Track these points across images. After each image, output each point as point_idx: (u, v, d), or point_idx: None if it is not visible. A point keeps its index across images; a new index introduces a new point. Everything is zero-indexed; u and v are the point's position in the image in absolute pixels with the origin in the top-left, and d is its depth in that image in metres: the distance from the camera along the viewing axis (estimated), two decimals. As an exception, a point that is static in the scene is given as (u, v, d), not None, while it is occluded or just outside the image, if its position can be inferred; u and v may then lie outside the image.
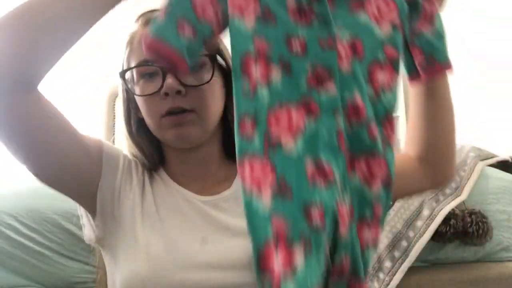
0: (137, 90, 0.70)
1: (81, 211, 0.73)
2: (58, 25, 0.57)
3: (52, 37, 0.57)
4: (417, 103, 0.73)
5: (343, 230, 0.49)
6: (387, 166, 0.54)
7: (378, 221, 0.53)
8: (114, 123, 2.32)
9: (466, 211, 1.26)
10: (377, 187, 0.53)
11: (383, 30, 0.55)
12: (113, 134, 1.79)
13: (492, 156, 1.46)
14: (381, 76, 0.54)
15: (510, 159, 1.50)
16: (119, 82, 0.76)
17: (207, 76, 0.69)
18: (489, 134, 2.11)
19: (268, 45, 0.51)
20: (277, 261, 0.46)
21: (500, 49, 2.05)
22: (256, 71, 0.50)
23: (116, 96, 2.40)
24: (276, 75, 0.51)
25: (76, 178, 0.67)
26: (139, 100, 0.71)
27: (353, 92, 0.52)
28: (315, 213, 0.47)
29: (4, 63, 0.54)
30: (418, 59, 0.61)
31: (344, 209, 0.50)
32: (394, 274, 1.17)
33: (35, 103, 0.60)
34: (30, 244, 1.15)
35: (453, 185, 1.31)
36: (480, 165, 1.38)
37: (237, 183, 0.74)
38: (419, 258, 1.21)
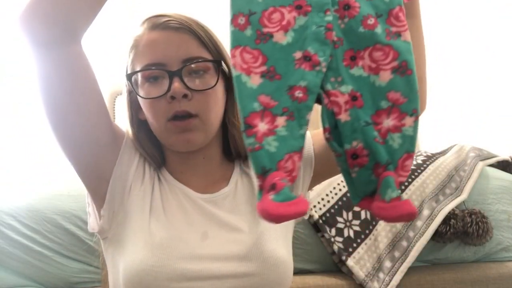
0: (141, 93, 0.72)
1: (88, 199, 0.75)
2: None
3: None
4: None
5: (340, 111, 0.54)
6: (397, 53, 0.55)
7: (399, 107, 0.55)
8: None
9: (466, 211, 1.26)
10: (386, 75, 0.55)
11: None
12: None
13: (492, 156, 1.46)
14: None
15: (510, 159, 1.50)
16: (122, 83, 0.78)
17: (211, 81, 0.71)
18: (489, 134, 2.11)
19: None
20: (261, 123, 0.52)
21: (500, 48, 2.05)
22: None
23: (116, 96, 2.40)
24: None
25: (96, 153, 0.70)
26: (144, 103, 0.73)
27: None
28: (299, 90, 0.53)
29: (55, 15, 0.60)
30: None
31: (339, 93, 0.54)
32: (394, 274, 1.17)
33: (78, 55, 0.65)
34: (30, 244, 1.15)
35: (453, 185, 1.31)
36: (480, 165, 1.38)
37: (234, 181, 0.78)
38: (419, 258, 1.22)
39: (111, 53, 2.96)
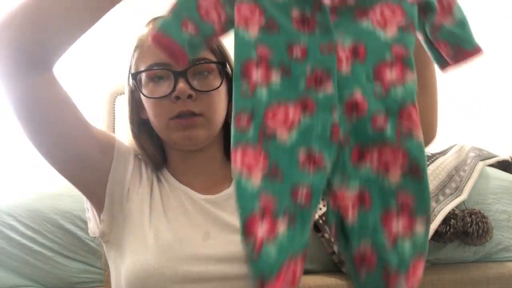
0: (145, 92, 0.72)
1: (87, 204, 0.75)
2: (70, 7, 0.59)
3: (64, 19, 0.59)
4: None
5: (347, 214, 0.52)
6: (407, 155, 0.53)
7: (410, 210, 0.53)
8: (114, 122, 2.33)
9: (466, 211, 1.26)
10: (396, 176, 0.54)
11: (388, 34, 0.56)
12: (113, 133, 1.79)
13: (492, 156, 1.46)
14: (390, 74, 0.55)
15: (510, 159, 1.50)
16: (123, 84, 0.78)
17: (216, 82, 0.72)
18: (489, 134, 2.11)
19: (270, 52, 0.54)
20: (261, 229, 0.49)
21: (500, 48, 2.05)
22: (257, 74, 0.53)
23: (116, 96, 2.40)
24: (276, 77, 0.53)
25: (86, 166, 0.70)
26: (148, 102, 0.73)
27: (353, 90, 0.54)
28: (302, 192, 0.51)
29: (19, 45, 0.57)
30: (445, 52, 0.62)
31: (345, 194, 0.53)
32: (394, 274, 1.17)
33: (50, 85, 0.63)
34: (30, 244, 1.15)
35: (453, 185, 1.31)
36: (480, 165, 1.38)
37: None
38: (419, 258, 1.21)
39: (111, 53, 2.97)
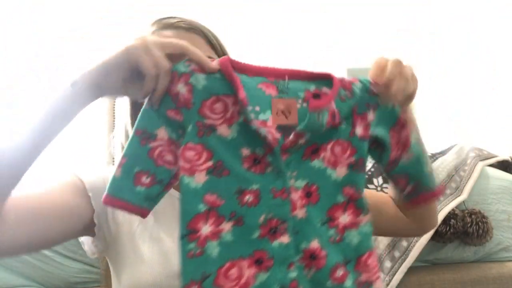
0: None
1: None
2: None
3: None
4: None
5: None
6: None
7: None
8: (113, 122, 2.33)
9: (466, 211, 1.26)
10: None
11: (339, 173, 0.55)
12: (112, 132, 1.79)
13: (492, 156, 1.46)
14: (343, 217, 0.55)
15: (510, 159, 1.50)
16: None
17: None
18: (489, 134, 2.11)
19: (219, 200, 0.51)
20: (205, 227, 0.50)
21: (501, 49, 2.05)
22: (206, 228, 0.50)
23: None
24: (227, 229, 0.51)
25: (73, 231, 0.66)
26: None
27: (309, 239, 0.53)
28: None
29: None
30: (402, 188, 0.62)
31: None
32: (394, 274, 1.17)
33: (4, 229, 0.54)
34: (30, 244, 1.14)
35: (453, 185, 1.31)
36: (480, 165, 1.38)
37: None
38: (419, 258, 1.22)
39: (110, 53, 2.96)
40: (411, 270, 1.19)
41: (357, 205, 0.56)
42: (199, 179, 0.51)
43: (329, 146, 0.55)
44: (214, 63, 0.53)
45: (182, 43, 0.53)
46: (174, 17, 0.74)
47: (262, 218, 0.52)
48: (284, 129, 0.53)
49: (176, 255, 0.63)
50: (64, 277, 1.17)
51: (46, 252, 1.16)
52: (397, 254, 1.20)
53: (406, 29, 3.05)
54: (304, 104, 0.55)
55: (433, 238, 1.23)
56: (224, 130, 0.52)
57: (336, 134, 0.55)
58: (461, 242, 1.28)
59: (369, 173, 1.31)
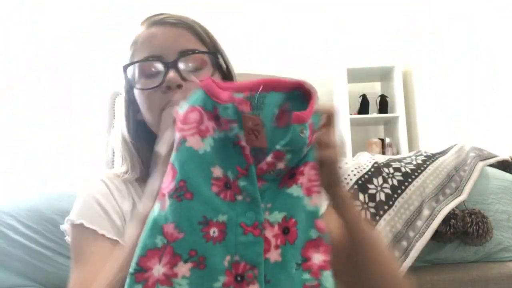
0: (138, 86, 0.72)
1: None
2: None
3: None
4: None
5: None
6: None
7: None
8: (113, 121, 2.34)
9: (466, 211, 1.26)
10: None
11: (314, 202, 0.47)
12: (112, 131, 1.79)
13: (492, 156, 1.46)
14: (318, 257, 0.46)
15: (510, 159, 1.50)
16: (120, 83, 0.77)
17: (208, 74, 0.70)
18: (489, 134, 2.11)
19: (177, 233, 0.41)
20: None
21: (501, 48, 2.05)
22: (158, 270, 0.41)
23: (117, 96, 2.41)
24: (183, 275, 0.41)
25: None
26: (140, 96, 0.72)
27: None
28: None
29: None
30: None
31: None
32: (394, 274, 1.17)
33: None
34: (30, 244, 1.15)
35: (453, 185, 1.31)
36: (480, 165, 1.38)
37: None
38: (419, 258, 1.21)
39: (111, 53, 2.97)
40: (411, 270, 1.19)
41: (326, 239, 0.47)
42: (163, 205, 0.42)
43: (306, 169, 0.46)
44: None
45: None
46: (162, 14, 0.74)
47: (227, 260, 0.42)
48: (255, 151, 0.45)
49: None
50: (64, 277, 1.17)
51: (46, 252, 1.16)
52: (397, 254, 1.20)
53: (406, 29, 3.05)
54: (275, 123, 0.46)
55: (433, 238, 1.23)
56: (195, 142, 0.43)
57: (311, 154, 0.47)
58: (461, 242, 1.28)
59: (369, 173, 1.31)
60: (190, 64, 0.70)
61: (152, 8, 0.75)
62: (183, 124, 0.44)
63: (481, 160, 1.40)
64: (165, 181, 0.44)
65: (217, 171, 0.43)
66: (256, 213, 0.43)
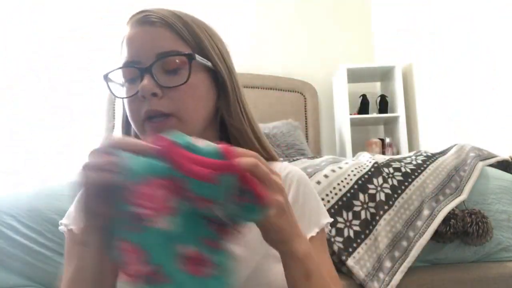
0: (121, 93, 0.69)
1: None
2: None
3: None
4: None
5: None
6: None
7: None
8: (113, 121, 2.34)
9: (466, 211, 1.26)
10: None
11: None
12: (112, 131, 1.79)
13: (492, 156, 1.46)
14: None
15: (510, 159, 1.50)
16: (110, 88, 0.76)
17: (185, 77, 0.66)
18: (489, 134, 2.11)
19: None
20: None
21: (501, 48, 2.05)
22: None
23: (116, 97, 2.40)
24: None
25: None
26: (124, 104, 0.70)
27: None
28: None
29: None
30: None
31: None
32: (394, 274, 1.17)
33: None
34: (30, 244, 1.15)
35: (453, 185, 1.31)
36: (480, 165, 1.38)
37: None
38: (419, 258, 1.22)
39: (111, 53, 2.97)
40: (411, 270, 1.19)
41: None
42: None
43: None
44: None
45: None
46: (143, 11, 0.69)
47: None
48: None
49: None
50: (64, 277, 1.17)
51: (46, 252, 1.16)
52: (397, 254, 1.20)
53: (406, 29, 3.05)
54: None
55: (433, 238, 1.23)
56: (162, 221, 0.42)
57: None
58: (461, 242, 1.28)
59: (369, 173, 1.31)
60: (172, 71, 0.66)
61: (154, 7, 0.74)
62: (144, 201, 0.40)
63: (481, 160, 1.41)
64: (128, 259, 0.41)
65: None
66: None
